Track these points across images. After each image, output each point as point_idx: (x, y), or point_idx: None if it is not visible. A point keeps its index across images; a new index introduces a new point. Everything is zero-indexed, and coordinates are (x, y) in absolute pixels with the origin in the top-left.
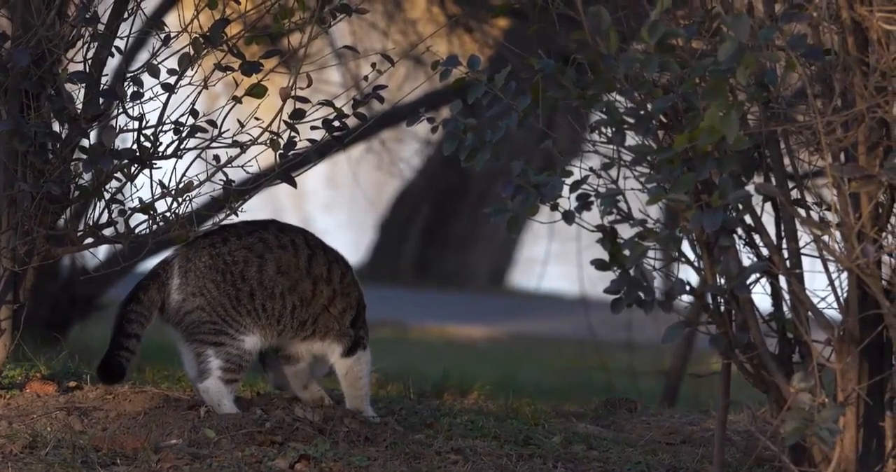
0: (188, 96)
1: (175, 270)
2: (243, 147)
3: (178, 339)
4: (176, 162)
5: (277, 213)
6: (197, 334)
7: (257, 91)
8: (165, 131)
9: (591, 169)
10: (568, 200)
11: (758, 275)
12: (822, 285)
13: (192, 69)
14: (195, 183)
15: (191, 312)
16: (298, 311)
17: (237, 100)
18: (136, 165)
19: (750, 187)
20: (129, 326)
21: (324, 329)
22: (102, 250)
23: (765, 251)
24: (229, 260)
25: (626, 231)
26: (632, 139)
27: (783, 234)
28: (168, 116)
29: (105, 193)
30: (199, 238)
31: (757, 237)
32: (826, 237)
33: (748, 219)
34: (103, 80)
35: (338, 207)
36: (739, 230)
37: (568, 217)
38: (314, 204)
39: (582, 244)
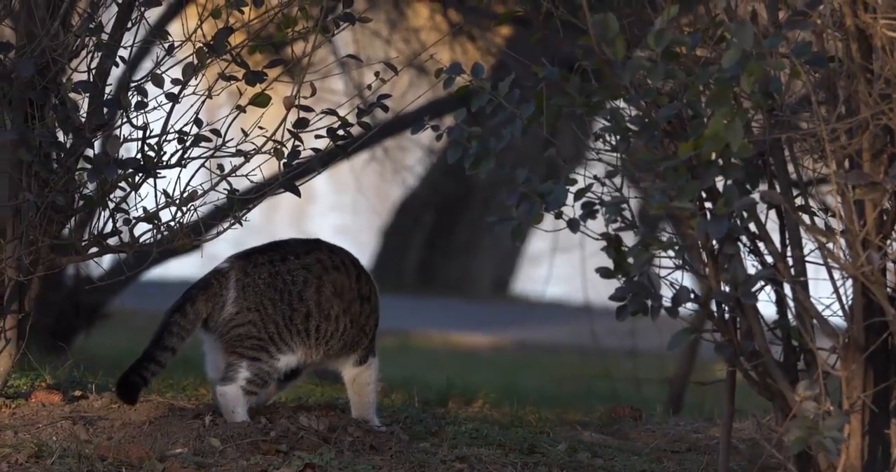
0: (192, 106)
1: (232, 282)
2: (247, 156)
3: (208, 343)
4: (180, 171)
5: (277, 222)
6: (237, 347)
7: (261, 100)
8: (169, 141)
9: (595, 177)
10: (572, 209)
11: (762, 282)
12: (826, 292)
13: (195, 79)
14: (199, 192)
15: (241, 325)
16: (348, 332)
17: (241, 109)
18: (140, 175)
19: (755, 195)
20: (169, 338)
21: (356, 345)
22: (107, 260)
23: (769, 259)
24: (288, 279)
25: (630, 239)
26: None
27: (788, 241)
28: (172, 126)
29: (109, 202)
30: (256, 253)
31: (761, 245)
32: (831, 245)
33: (753, 226)
34: (107, 89)
35: (341, 216)
36: (744, 238)
37: (573, 225)
38: (317, 212)
39: (586, 252)
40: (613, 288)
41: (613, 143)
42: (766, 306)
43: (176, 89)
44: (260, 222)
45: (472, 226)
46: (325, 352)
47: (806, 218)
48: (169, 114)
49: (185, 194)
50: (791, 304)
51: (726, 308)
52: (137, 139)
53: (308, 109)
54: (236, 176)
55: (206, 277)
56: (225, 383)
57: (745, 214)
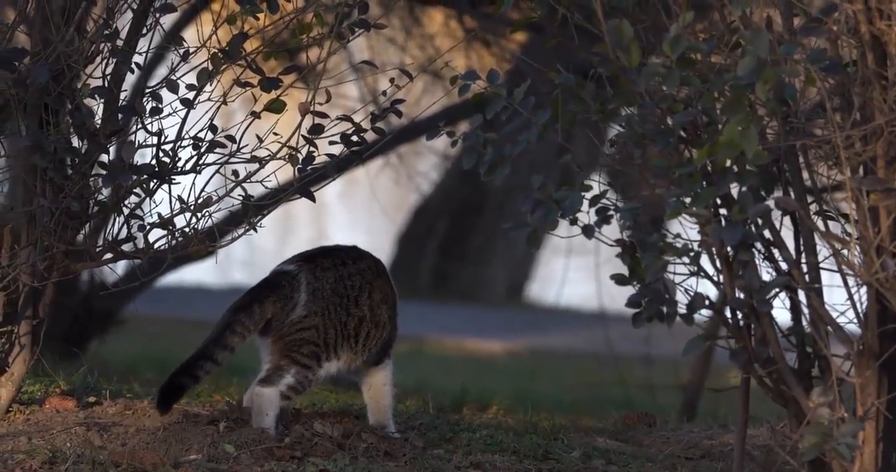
0: (207, 112)
1: (303, 285)
2: (262, 162)
3: (263, 346)
4: (195, 177)
5: (293, 227)
6: (293, 352)
7: (276, 106)
8: (184, 147)
9: (610, 183)
10: (587, 215)
11: (777, 290)
12: (841, 299)
13: (210, 85)
14: (214, 198)
15: (305, 330)
16: (388, 338)
17: (256, 115)
18: (155, 181)
19: (769, 202)
20: (231, 337)
21: (383, 350)
22: (121, 266)
23: (784, 266)
24: (349, 285)
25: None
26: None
27: (802, 248)
28: (187, 132)
29: (124, 208)
30: (319, 256)
31: (776, 252)
32: (845, 251)
33: (767, 233)
34: (122, 95)
35: (356, 222)
36: (758, 245)
37: (588, 231)
38: (331, 218)
39: (600, 258)
40: (628, 295)
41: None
42: (781, 312)
43: (191, 95)
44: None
45: (486, 232)
46: (364, 359)
47: (820, 224)
48: (184, 120)
49: (199, 200)
50: (805, 310)
51: (741, 315)
52: (152, 145)
53: (323, 115)
54: (251, 182)
55: (274, 278)
56: (265, 384)
57: (759, 221)
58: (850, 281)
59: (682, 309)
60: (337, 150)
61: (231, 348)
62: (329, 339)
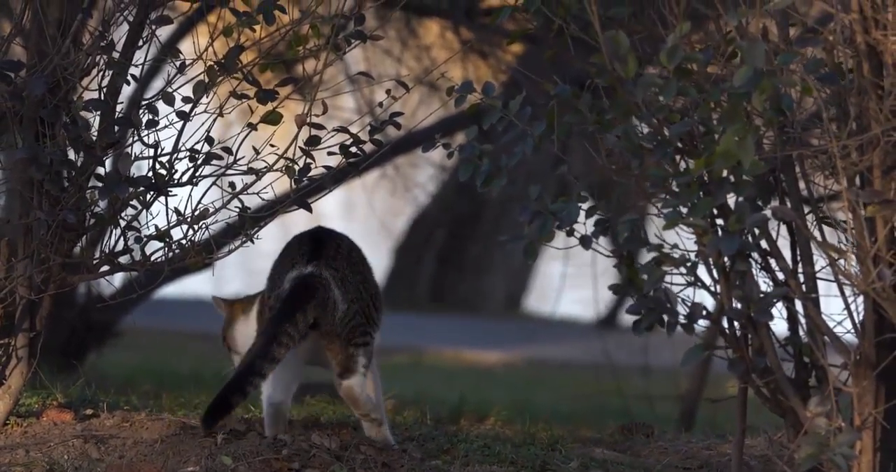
0: (203, 124)
1: (332, 283)
2: (259, 174)
3: (309, 349)
4: (191, 189)
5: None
6: (352, 341)
7: (272, 118)
8: (181, 159)
9: (594, 194)
10: (584, 226)
11: (776, 299)
12: (838, 308)
13: (206, 97)
14: (211, 210)
15: (352, 318)
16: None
17: (252, 127)
18: (151, 193)
19: (766, 212)
20: (278, 350)
21: None
22: (118, 278)
23: (781, 275)
24: (356, 261)
25: (642, 256)
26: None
27: (799, 258)
28: (183, 144)
29: (121, 220)
30: (321, 247)
31: (773, 262)
32: (842, 261)
33: (764, 243)
34: (118, 108)
35: (353, 233)
36: (755, 254)
37: (585, 242)
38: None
39: (597, 269)
40: (626, 305)
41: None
42: (778, 322)
43: (187, 107)
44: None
45: (483, 243)
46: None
47: (817, 234)
48: (180, 132)
49: (196, 212)
50: (802, 320)
51: (738, 325)
52: (149, 157)
53: (320, 126)
54: (248, 194)
55: (305, 284)
56: (346, 376)
57: (756, 231)
58: (847, 291)
59: (681, 319)
60: (334, 161)
61: (278, 361)
62: (369, 313)
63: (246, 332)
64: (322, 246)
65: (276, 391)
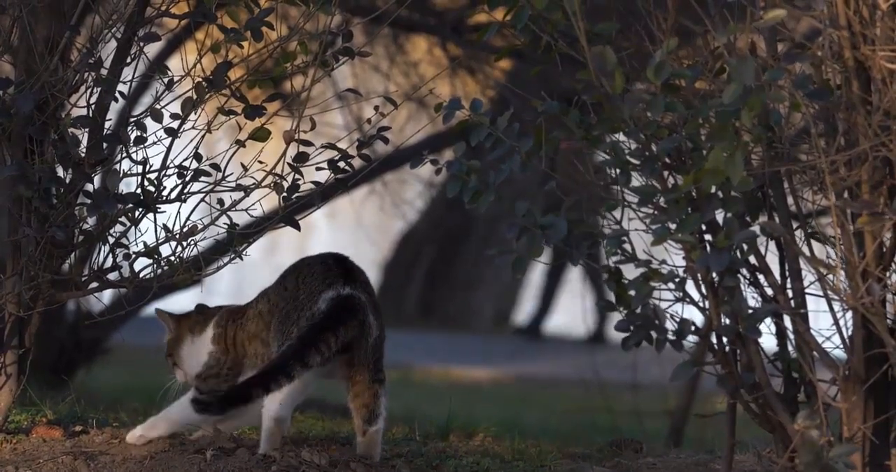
0: (191, 140)
1: (368, 307)
2: (247, 191)
3: (318, 374)
4: (180, 206)
5: (279, 255)
6: (377, 375)
7: (260, 135)
8: (169, 175)
9: (595, 210)
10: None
11: (765, 316)
12: (826, 324)
13: (195, 113)
14: (199, 227)
15: (379, 347)
16: None
17: (240, 144)
18: (140, 210)
19: (755, 227)
20: (314, 356)
21: None
22: (107, 295)
23: (769, 291)
24: (371, 290)
25: (630, 272)
26: (636, 180)
27: (787, 273)
28: (171, 161)
29: (109, 237)
30: (347, 271)
31: (762, 277)
32: (831, 276)
33: (753, 259)
34: (107, 124)
35: (341, 250)
36: (744, 270)
37: (573, 258)
38: (317, 246)
39: (587, 285)
40: (614, 321)
41: (614, 176)
42: (767, 338)
43: (175, 124)
44: (260, 257)
45: (472, 260)
46: None
47: (806, 249)
48: (168, 149)
49: (185, 229)
50: (791, 336)
51: (726, 341)
52: (137, 174)
53: (308, 143)
54: (236, 210)
55: (346, 304)
56: (374, 422)
57: (745, 247)
58: (836, 306)
59: (670, 336)
60: (322, 177)
61: (310, 368)
62: (384, 347)
63: (193, 351)
64: (352, 271)
65: (280, 407)
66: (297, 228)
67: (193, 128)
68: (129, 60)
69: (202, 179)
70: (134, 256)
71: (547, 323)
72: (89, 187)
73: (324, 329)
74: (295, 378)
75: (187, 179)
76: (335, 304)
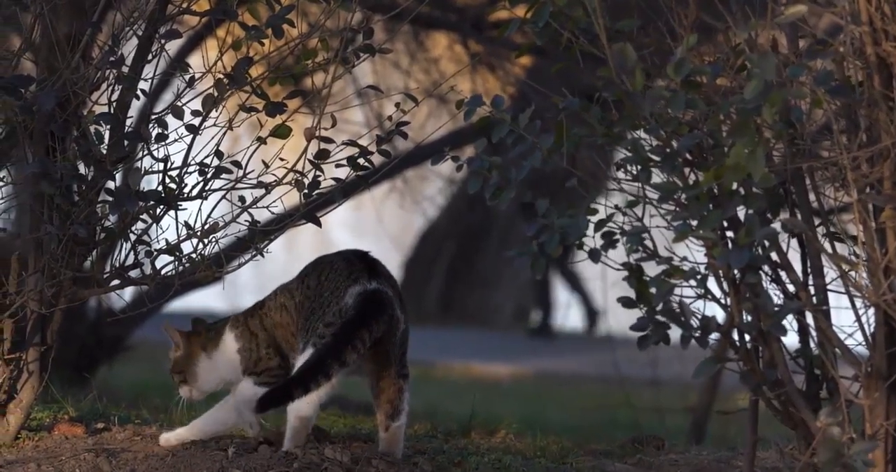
0: (213, 138)
1: (395, 302)
2: (268, 188)
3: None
4: (201, 203)
5: (300, 252)
6: (402, 368)
7: (281, 132)
8: (190, 173)
9: (616, 207)
10: (593, 239)
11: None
12: (849, 321)
13: (216, 110)
14: (220, 224)
15: (404, 342)
16: None
17: (261, 141)
18: (161, 207)
19: (776, 224)
20: (350, 354)
21: None
22: (129, 292)
23: (791, 288)
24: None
25: (651, 269)
26: (657, 177)
27: (809, 270)
28: (193, 158)
29: (131, 234)
30: (370, 266)
31: (783, 274)
32: (853, 273)
33: (774, 255)
34: (128, 122)
35: (362, 246)
36: (765, 267)
37: (594, 255)
38: (338, 244)
39: (607, 282)
40: (634, 318)
41: (635, 172)
42: (789, 334)
43: (196, 121)
44: (281, 254)
45: (493, 256)
46: None
47: (828, 246)
48: (190, 146)
49: (206, 226)
50: (813, 332)
51: (748, 337)
52: (158, 171)
53: (329, 140)
54: (257, 207)
55: (375, 298)
56: (397, 418)
57: (766, 244)
58: (858, 303)
59: (695, 332)
60: (342, 174)
61: (347, 366)
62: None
63: (214, 366)
64: (375, 265)
65: (307, 406)
66: (318, 224)
67: (214, 125)
68: (150, 58)
69: (223, 176)
70: (155, 253)
71: (559, 320)
72: (111, 185)
73: (358, 327)
74: (333, 377)
75: (208, 176)
76: (363, 299)
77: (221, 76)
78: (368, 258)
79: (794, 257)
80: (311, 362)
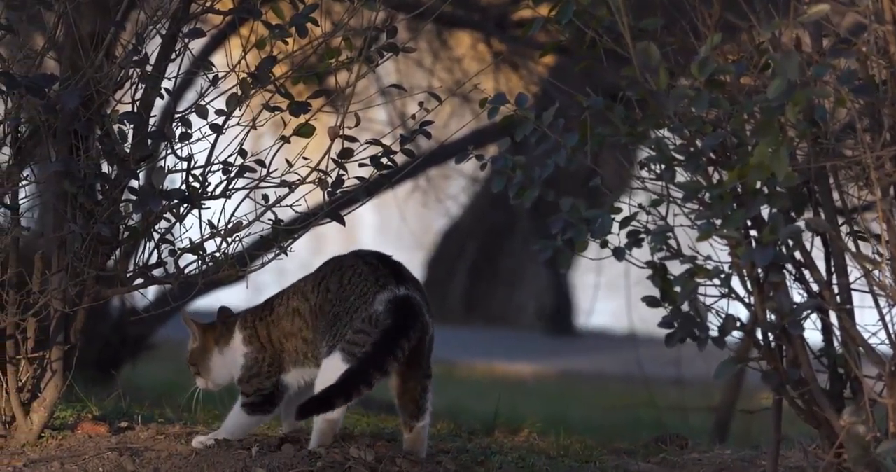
0: (236, 136)
1: (424, 307)
2: (292, 186)
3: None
4: (225, 202)
5: (324, 251)
6: (427, 371)
7: (305, 131)
8: (214, 172)
9: (640, 206)
10: (617, 237)
11: (808, 311)
12: (872, 320)
13: (239, 109)
14: (244, 223)
15: (432, 343)
16: None
17: (285, 139)
18: (185, 206)
19: (800, 223)
20: (391, 363)
21: None
22: (152, 291)
23: (815, 287)
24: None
25: (675, 267)
26: (681, 176)
27: (833, 269)
28: (216, 157)
29: (154, 233)
30: (395, 270)
31: (807, 273)
32: (876, 272)
33: (798, 254)
34: (152, 121)
35: (385, 245)
36: (789, 266)
37: (618, 254)
38: (362, 242)
39: (631, 281)
40: (658, 317)
41: (659, 171)
42: (812, 333)
43: (220, 120)
44: (305, 253)
45: (516, 255)
46: None
47: (851, 245)
48: (213, 145)
49: (229, 225)
50: (837, 332)
51: (772, 336)
52: (182, 170)
53: (352, 139)
54: (281, 206)
55: (408, 305)
56: (421, 417)
57: (790, 242)
58: (882, 302)
59: (713, 332)
60: (366, 173)
61: (388, 375)
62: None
63: (223, 361)
64: (400, 269)
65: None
66: (343, 223)
67: (238, 124)
68: (173, 56)
69: (247, 175)
70: (179, 252)
71: (582, 319)
72: (134, 184)
73: (397, 336)
74: (374, 386)
75: (232, 175)
76: (395, 307)
77: (245, 75)
78: (391, 262)
79: (819, 256)
80: (353, 371)
